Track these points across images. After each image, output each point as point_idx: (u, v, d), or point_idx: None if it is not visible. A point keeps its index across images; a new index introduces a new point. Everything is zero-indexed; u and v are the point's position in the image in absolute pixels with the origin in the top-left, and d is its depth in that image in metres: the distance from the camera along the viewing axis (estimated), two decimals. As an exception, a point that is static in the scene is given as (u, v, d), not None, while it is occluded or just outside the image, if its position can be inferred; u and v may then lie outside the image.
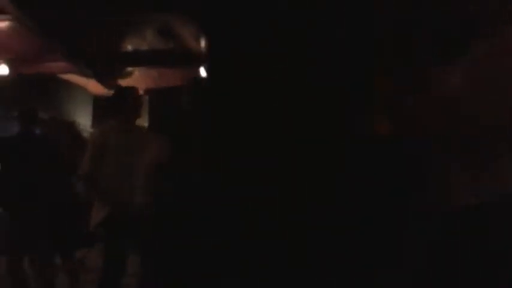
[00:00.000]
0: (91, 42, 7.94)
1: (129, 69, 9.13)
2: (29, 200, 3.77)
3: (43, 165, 3.85)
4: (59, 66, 9.26)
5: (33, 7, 6.55)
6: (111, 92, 10.61)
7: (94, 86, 10.45)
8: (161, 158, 2.84)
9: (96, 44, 8.10)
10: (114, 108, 3.41)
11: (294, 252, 1.69)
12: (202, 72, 8.21)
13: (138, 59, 8.59)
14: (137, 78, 9.69)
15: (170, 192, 2.70)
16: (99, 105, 11.25)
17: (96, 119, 11.34)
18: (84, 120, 11.01)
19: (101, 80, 9.72)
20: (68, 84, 10.43)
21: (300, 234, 1.69)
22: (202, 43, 7.72)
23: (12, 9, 6.50)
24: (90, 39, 7.83)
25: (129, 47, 8.36)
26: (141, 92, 10.90)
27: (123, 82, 9.98)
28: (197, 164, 2.73)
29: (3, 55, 8.28)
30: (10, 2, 6.26)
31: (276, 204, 1.72)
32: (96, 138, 3.06)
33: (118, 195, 3.01)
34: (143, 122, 6.50)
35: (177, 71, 9.13)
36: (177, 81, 9.47)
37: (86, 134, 11.03)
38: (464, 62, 1.38)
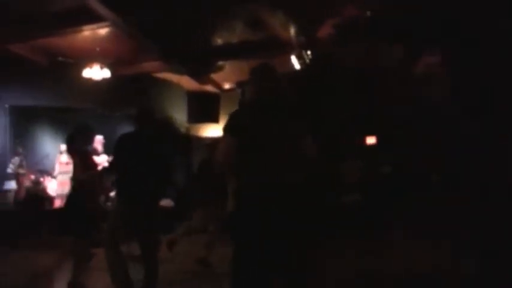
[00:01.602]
0: (183, 40, 8.15)
1: (220, 63, 9.28)
2: (144, 195, 4.05)
3: (156, 159, 4.17)
4: (153, 66, 9.66)
5: (129, 12, 6.83)
6: (203, 87, 10.95)
7: (187, 82, 10.78)
8: None
9: (188, 41, 8.30)
10: None
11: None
12: (294, 62, 8.16)
13: (229, 52, 8.68)
14: (228, 72, 9.84)
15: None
16: (193, 100, 11.57)
17: (191, 113, 11.69)
18: (180, 115, 11.41)
19: (193, 76, 9.99)
20: (163, 82, 10.83)
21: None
22: (291, 31, 7.65)
23: (110, 16, 6.82)
24: (182, 37, 8.03)
25: (220, 41, 8.48)
26: (232, 85, 11.13)
27: (215, 76, 10.21)
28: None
29: (105, 59, 8.76)
30: (108, 9, 6.58)
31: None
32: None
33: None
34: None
35: (268, 61, 9.13)
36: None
37: (182, 129, 11.51)
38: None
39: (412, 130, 9.37)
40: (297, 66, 8.18)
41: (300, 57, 8.06)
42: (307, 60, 8.03)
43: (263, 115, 2.66)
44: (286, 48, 8.16)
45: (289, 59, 8.18)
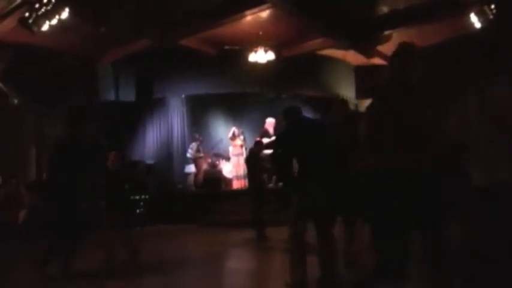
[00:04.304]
0: (346, 12, 7.71)
1: (387, 33, 8.58)
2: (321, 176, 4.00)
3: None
4: (317, 43, 9.41)
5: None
6: (371, 61, 10.35)
7: (353, 57, 10.31)
8: None
9: (352, 14, 7.84)
10: None
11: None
12: (474, 20, 7.12)
13: (395, 20, 7.97)
14: (396, 42, 9.08)
15: None
16: (361, 75, 11.04)
17: (359, 88, 11.18)
18: (348, 92, 10.99)
19: (360, 49, 9.46)
20: (328, 59, 10.52)
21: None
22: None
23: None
24: (345, 9, 7.60)
25: (385, 9, 7.83)
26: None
27: (382, 48, 9.53)
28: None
29: (269, 42, 8.79)
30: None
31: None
32: None
33: None
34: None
35: (439, 25, 8.17)
36: (439, 37, 8.54)
37: (351, 106, 11.06)
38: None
39: None
40: (477, 25, 7.12)
41: (481, 14, 6.98)
42: (491, 16, 6.89)
43: (390, 100, 2.69)
44: (463, 5, 7.17)
45: (467, 19, 7.18)
